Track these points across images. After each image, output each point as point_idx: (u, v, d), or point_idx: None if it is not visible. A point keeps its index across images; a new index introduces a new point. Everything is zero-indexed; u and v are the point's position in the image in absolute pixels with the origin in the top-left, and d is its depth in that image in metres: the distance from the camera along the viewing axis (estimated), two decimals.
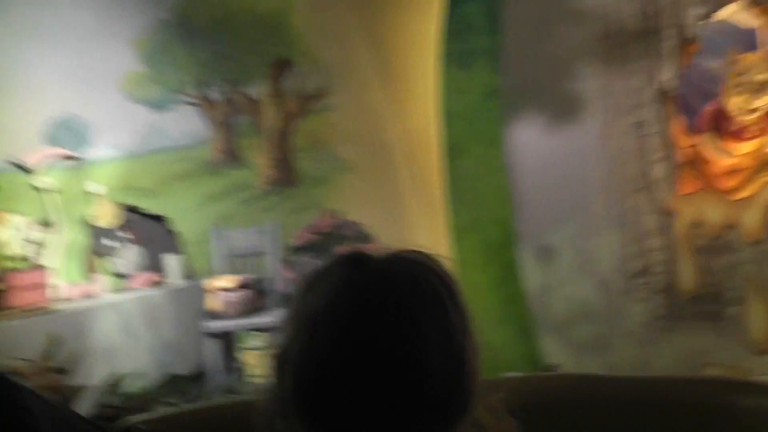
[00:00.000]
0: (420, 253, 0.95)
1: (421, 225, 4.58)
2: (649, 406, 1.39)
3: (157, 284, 4.40)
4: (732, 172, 3.68)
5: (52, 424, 0.83)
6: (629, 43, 3.85)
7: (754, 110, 3.58)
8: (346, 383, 0.86)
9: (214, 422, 1.47)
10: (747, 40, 3.71)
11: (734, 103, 3.59)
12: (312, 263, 4.62)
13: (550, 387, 1.47)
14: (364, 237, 4.68)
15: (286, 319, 0.93)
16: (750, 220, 3.59)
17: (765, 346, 3.54)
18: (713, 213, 3.68)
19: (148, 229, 4.58)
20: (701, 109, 3.76)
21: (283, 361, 0.90)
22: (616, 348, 3.80)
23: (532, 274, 4.08)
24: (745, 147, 3.64)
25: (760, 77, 3.57)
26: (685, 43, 3.77)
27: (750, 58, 3.59)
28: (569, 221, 3.96)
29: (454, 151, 4.29)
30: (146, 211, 4.60)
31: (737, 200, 3.67)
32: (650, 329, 3.78)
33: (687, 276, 3.73)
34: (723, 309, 3.65)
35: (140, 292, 4.28)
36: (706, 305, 3.67)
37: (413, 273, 0.92)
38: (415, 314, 0.88)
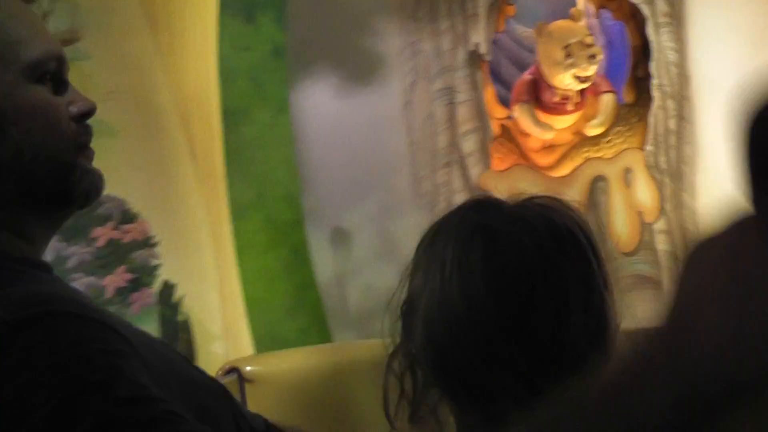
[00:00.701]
0: (556, 199, 0.93)
1: (199, 201, 3.92)
2: None
3: None
4: (550, 147, 3.35)
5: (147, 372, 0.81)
6: None
7: (582, 80, 3.24)
8: (480, 334, 0.82)
9: (329, 365, 1.52)
10: (564, 6, 3.40)
11: (560, 73, 3.23)
12: (59, 247, 3.84)
13: None
14: (128, 216, 3.94)
15: (411, 268, 0.90)
16: (570, 198, 3.28)
17: None
18: (530, 191, 3.31)
19: None
20: (517, 77, 3.39)
21: (411, 311, 0.88)
22: None
23: (324, 260, 3.54)
24: (565, 120, 3.31)
25: (588, 42, 3.24)
26: (501, 4, 3.37)
27: (561, 25, 3.26)
28: (368, 199, 3.45)
29: (235, 116, 3.68)
30: None
31: (556, 177, 3.34)
32: None
33: None
34: None
35: None
36: None
37: (552, 218, 0.88)
38: (555, 261, 0.84)
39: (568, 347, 0.82)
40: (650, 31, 3.31)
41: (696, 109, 3.33)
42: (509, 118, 3.39)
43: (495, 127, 3.38)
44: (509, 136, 3.37)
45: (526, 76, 3.35)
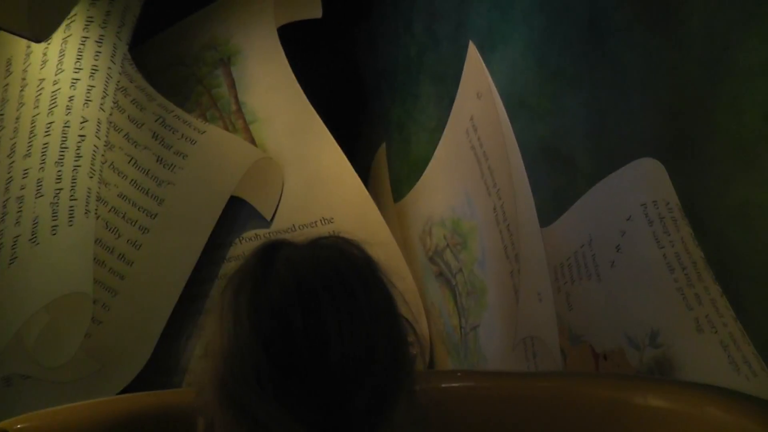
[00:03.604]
0: (342, 238, 1.00)
1: None
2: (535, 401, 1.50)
3: None
4: None
5: None
6: None
7: None
8: (248, 363, 0.90)
9: (92, 420, 1.54)
10: None
11: None
12: None
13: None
14: None
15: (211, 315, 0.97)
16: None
17: None
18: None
19: None
20: None
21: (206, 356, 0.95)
22: None
23: None
24: None
25: None
26: None
27: None
28: None
29: None
30: None
31: None
32: None
33: None
34: None
35: None
36: None
37: (334, 256, 0.97)
38: (314, 297, 0.92)
39: (331, 374, 0.88)
40: None
41: None
42: None
43: None
44: None
45: None
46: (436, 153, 2.97)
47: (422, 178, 3.08)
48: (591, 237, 2.19)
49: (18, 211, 2.79)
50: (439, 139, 2.93)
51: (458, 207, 2.83)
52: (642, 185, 2.01)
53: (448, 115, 2.83)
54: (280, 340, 0.89)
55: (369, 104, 3.54)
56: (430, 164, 3.02)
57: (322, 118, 3.09)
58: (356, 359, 0.89)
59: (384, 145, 3.39)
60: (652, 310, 2.01)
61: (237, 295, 0.93)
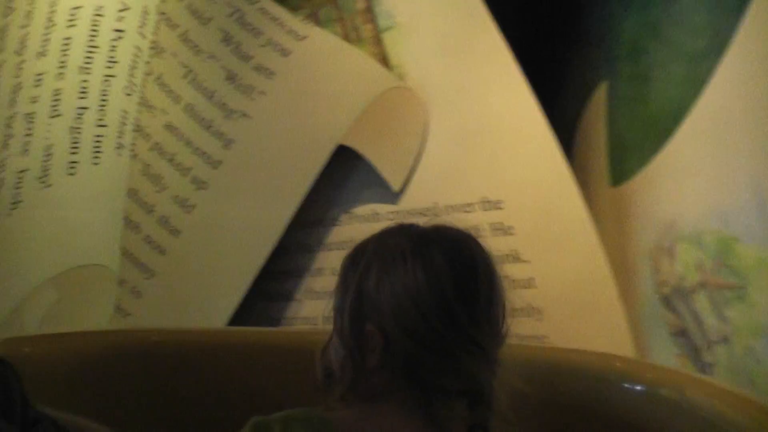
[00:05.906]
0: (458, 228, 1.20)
1: None
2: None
3: None
4: None
5: None
6: None
7: None
8: (441, 303, 1.09)
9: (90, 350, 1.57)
10: None
11: None
12: None
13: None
14: None
15: (358, 275, 1.12)
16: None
17: None
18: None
19: None
20: None
21: (362, 303, 1.10)
22: None
23: None
24: None
25: None
26: None
27: None
28: None
29: None
30: None
31: None
32: None
33: None
34: None
35: None
36: None
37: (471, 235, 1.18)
38: (485, 259, 1.15)
39: (491, 321, 1.12)
40: None
41: None
42: None
43: None
44: None
45: None
46: (701, 102, 2.04)
47: (667, 147, 2.15)
48: None
49: (26, 135, 2.27)
50: (708, 74, 2.01)
51: (735, 214, 1.98)
52: None
53: (736, 26, 1.87)
54: (468, 287, 1.09)
55: (583, 14, 2.49)
56: (686, 123, 2.09)
57: (502, 33, 2.23)
58: (502, 315, 1.12)
59: (604, 87, 2.41)
60: None
61: (422, 251, 1.09)
